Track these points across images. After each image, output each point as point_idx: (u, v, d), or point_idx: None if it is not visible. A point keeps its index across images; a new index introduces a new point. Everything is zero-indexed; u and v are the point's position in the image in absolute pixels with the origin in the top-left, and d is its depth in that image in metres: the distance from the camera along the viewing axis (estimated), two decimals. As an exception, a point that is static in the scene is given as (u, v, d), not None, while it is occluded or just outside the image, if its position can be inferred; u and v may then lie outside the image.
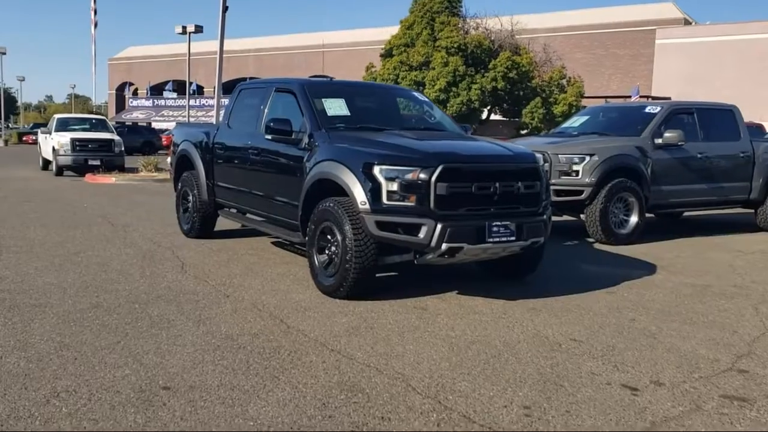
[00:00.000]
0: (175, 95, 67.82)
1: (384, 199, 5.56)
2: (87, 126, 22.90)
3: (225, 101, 50.96)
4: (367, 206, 5.58)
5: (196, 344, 4.69)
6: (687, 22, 43.63)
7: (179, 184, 9.26)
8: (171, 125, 61.46)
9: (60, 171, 20.71)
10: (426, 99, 7.99)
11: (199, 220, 8.79)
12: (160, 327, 5.07)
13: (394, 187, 5.54)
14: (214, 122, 21.30)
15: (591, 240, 9.48)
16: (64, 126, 22.30)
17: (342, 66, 57.74)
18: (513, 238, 5.78)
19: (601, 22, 45.21)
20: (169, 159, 20.78)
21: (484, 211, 5.72)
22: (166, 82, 68.46)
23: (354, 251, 5.65)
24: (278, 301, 5.90)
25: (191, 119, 45.09)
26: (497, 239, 5.68)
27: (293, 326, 5.16)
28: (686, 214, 11.84)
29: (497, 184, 5.72)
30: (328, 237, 6.03)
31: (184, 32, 28.46)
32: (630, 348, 4.90)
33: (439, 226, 5.46)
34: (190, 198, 8.90)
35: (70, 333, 4.87)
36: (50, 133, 21.70)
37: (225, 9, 20.40)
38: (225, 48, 62.67)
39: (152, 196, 14.85)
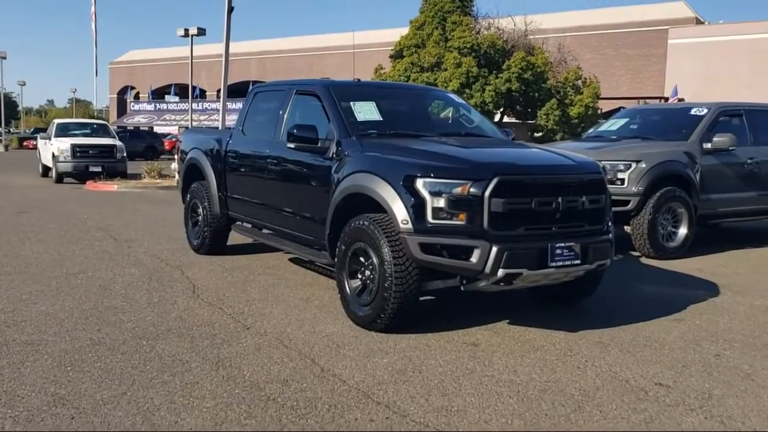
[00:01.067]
0: (177, 99, 67.09)
1: (429, 218, 4.80)
2: (88, 131, 22.16)
3: (228, 104, 49.99)
4: (410, 225, 4.82)
5: (217, 395, 3.93)
6: (698, 22, 42.83)
7: (188, 196, 8.51)
8: (173, 129, 60.78)
9: (60, 178, 19.98)
10: (462, 101, 7.22)
11: (210, 235, 8.04)
12: (172, 371, 4.30)
13: (441, 203, 4.78)
14: (220, 127, 20.57)
15: (636, 254, 8.71)
16: (64, 131, 21.57)
17: (346, 68, 57.02)
18: (578, 262, 5.01)
19: (611, 22, 44.41)
20: (173, 165, 20.05)
21: (545, 231, 4.95)
22: (168, 86, 67.73)
23: (394, 277, 4.89)
24: (306, 334, 5.13)
25: (194, 123, 44.43)
26: (560, 263, 4.92)
27: (328, 369, 4.40)
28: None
29: (560, 199, 4.96)
30: (362, 259, 5.28)
31: (186, 35, 27.67)
32: (729, 395, 4.14)
33: (494, 249, 4.70)
34: (200, 211, 8.14)
35: (66, 380, 4.11)
36: (50, 139, 20.97)
37: (230, 10, 19.64)
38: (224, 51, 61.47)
39: (157, 206, 14.09)
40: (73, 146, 19.79)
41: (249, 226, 7.67)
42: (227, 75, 20.58)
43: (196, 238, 8.34)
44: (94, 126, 23.06)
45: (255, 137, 7.24)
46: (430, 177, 4.82)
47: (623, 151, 8.55)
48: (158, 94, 69.63)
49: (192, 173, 8.48)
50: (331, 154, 5.79)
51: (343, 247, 5.41)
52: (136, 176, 20.42)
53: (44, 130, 29.77)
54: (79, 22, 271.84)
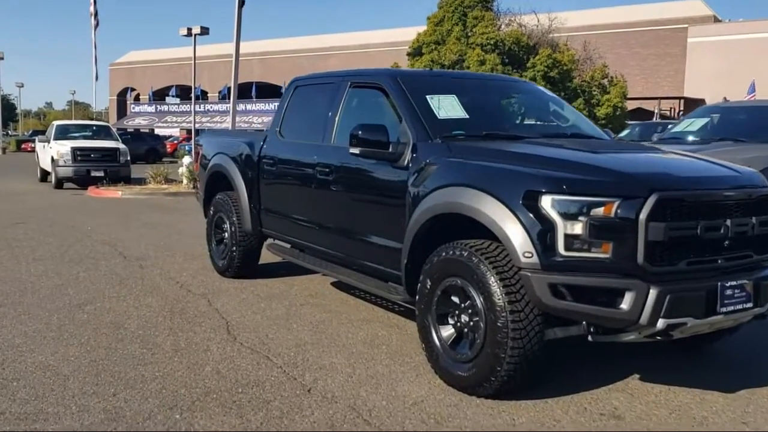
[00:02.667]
0: (178, 100, 65.87)
1: (560, 248, 3.56)
2: (89, 133, 20.90)
3: (228, 107, 48.72)
4: (535, 259, 3.58)
5: None
6: (716, 20, 41.65)
7: (211, 209, 7.27)
8: (175, 132, 59.64)
9: (60, 183, 18.73)
10: (552, 94, 5.98)
11: (239, 255, 6.79)
12: (223, 471, 3.06)
13: (577, 228, 3.54)
14: (230, 129, 19.33)
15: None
16: (63, 134, 20.31)
17: (351, 68, 55.81)
18: (750, 305, 3.79)
19: (624, 20, 43.20)
20: (180, 169, 18.82)
21: (711, 264, 3.72)
22: (169, 87, 66.47)
23: (510, 329, 3.65)
24: (387, 401, 3.90)
25: (197, 125, 43.19)
26: (731, 308, 3.69)
27: (437, 462, 3.15)
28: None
29: (728, 222, 3.73)
30: (456, 300, 4.05)
31: (189, 34, 26.31)
32: None
33: (653, 292, 3.47)
34: (227, 227, 6.90)
35: (74, 489, 2.87)
36: (49, 142, 19.70)
37: (242, 3, 18.46)
38: (228, 51, 60.42)
39: (167, 215, 12.84)
40: (74, 149, 18.54)
41: (286, 245, 6.43)
42: (237, 73, 19.38)
43: (222, 258, 7.09)
44: (96, 128, 21.79)
45: (297, 141, 6.01)
46: (561, 193, 3.58)
47: (725, 154, 7.29)
48: (159, 96, 68.42)
49: (216, 182, 7.25)
50: (405, 162, 4.56)
51: (429, 284, 4.17)
52: (141, 181, 19.17)
53: (43, 132, 28.55)
54: (78, 24, 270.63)
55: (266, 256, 7.07)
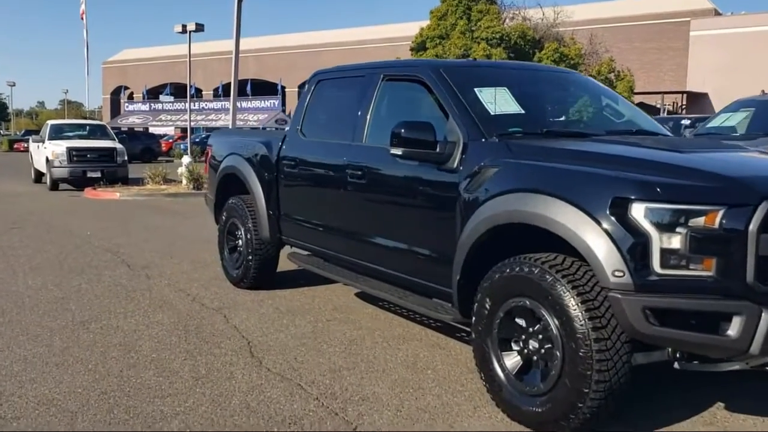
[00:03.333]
0: (172, 99, 65.17)
1: (656, 265, 3.04)
2: (84, 133, 20.29)
3: (226, 104, 48.28)
4: (626, 278, 3.06)
5: None
6: (717, 13, 41.21)
7: (223, 214, 6.73)
8: (169, 130, 58.91)
9: (55, 185, 18.13)
10: (603, 86, 5.45)
11: (255, 264, 6.26)
12: None
13: (675, 242, 3.02)
14: (230, 126, 18.77)
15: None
16: (58, 133, 19.70)
17: (348, 65, 55.23)
18: None
19: (626, 14, 42.70)
20: (180, 169, 18.22)
21: (824, 283, 3.20)
22: (163, 86, 65.80)
23: (595, 360, 3.13)
24: (448, 440, 3.37)
25: (192, 124, 42.49)
26: None
27: None
28: None
29: None
30: (522, 324, 3.52)
31: (184, 31, 25.74)
32: None
33: (765, 317, 2.95)
34: (242, 234, 6.36)
35: None
36: (43, 142, 19.09)
37: (241, -2, 17.86)
38: (222, 49, 59.66)
39: (169, 217, 12.27)
40: (69, 149, 17.94)
41: (308, 254, 5.90)
42: (237, 69, 18.82)
43: (236, 267, 6.55)
44: (92, 127, 21.17)
45: (322, 140, 5.48)
46: (656, 200, 3.06)
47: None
48: (153, 94, 67.71)
49: (228, 185, 6.71)
50: (454, 164, 4.03)
51: (489, 304, 3.64)
52: (139, 182, 18.57)
53: (36, 132, 27.92)
54: (70, 22, 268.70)
55: (281, 264, 6.53)
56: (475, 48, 21.33)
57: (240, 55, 19.91)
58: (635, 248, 3.06)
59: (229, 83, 57.87)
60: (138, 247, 8.94)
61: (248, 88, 56.47)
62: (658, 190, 3.07)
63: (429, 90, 4.45)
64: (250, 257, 6.27)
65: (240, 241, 6.48)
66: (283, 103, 57.74)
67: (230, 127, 18.83)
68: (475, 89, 4.33)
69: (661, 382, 4.18)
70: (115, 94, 71.88)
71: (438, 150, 4.07)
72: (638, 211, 3.06)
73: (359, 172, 4.81)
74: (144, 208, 13.82)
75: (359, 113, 5.01)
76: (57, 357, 4.57)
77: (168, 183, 18.31)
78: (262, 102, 56.55)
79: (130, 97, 70.22)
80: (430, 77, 4.46)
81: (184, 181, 17.44)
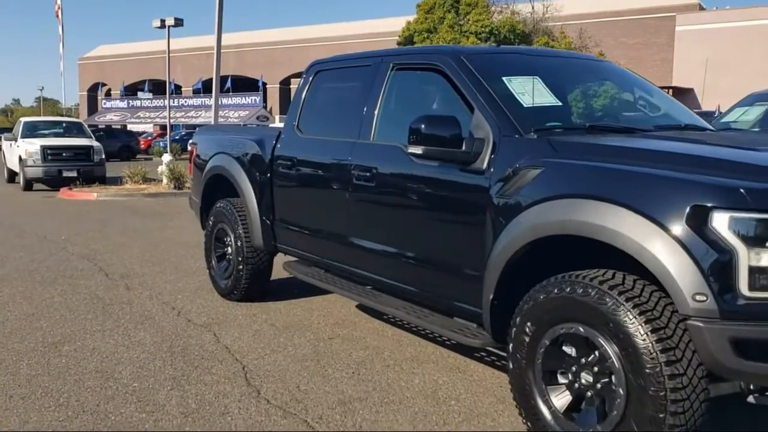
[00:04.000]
0: (150, 96, 64.10)
1: (743, 287, 2.53)
2: (60, 130, 19.50)
3: (206, 101, 47.50)
4: (710, 303, 2.55)
5: None
6: (701, 8, 41.06)
7: (210, 219, 6.14)
8: (148, 127, 57.93)
9: (29, 185, 17.37)
10: (635, 74, 4.92)
11: (247, 274, 5.69)
12: None
13: (766, 259, 2.50)
14: (213, 123, 18.12)
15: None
16: (32, 131, 18.90)
17: (330, 61, 54.53)
18: None
19: (610, 9, 42.42)
20: (160, 168, 17.51)
21: None
22: (141, 82, 64.72)
23: (670, 400, 2.62)
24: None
25: (171, 121, 41.57)
26: None
27: None
28: None
29: None
30: (572, 353, 2.99)
31: (162, 26, 24.99)
32: None
33: None
34: (231, 241, 5.79)
35: None
36: (16, 140, 18.30)
37: (223, -11, 17.19)
38: (201, 45, 58.75)
39: (149, 220, 11.62)
40: (44, 148, 17.18)
41: (306, 264, 5.34)
42: (219, 64, 18.15)
43: (225, 277, 5.97)
44: (67, 125, 20.38)
45: (322, 138, 4.91)
46: (743, 208, 2.54)
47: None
48: (131, 91, 66.60)
49: (216, 187, 6.14)
50: (483, 165, 3.49)
51: (531, 329, 3.11)
52: (117, 181, 17.86)
53: (9, 130, 26.96)
54: (45, 17, 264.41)
55: (274, 272, 5.97)
56: (463, 42, 20.84)
57: (222, 51, 19.30)
58: (719, 267, 2.54)
59: (209, 79, 56.77)
60: (117, 253, 8.31)
61: (228, 84, 55.63)
62: (745, 196, 2.56)
63: (449, 80, 3.91)
64: (241, 266, 5.69)
65: (229, 249, 5.91)
66: (264, 100, 56.98)
67: (214, 123, 18.13)
68: (503, 78, 3.79)
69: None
70: (92, 91, 70.60)
71: (464, 148, 3.53)
72: (721, 222, 2.55)
73: (367, 174, 4.25)
74: (123, 210, 13.15)
75: (366, 108, 4.45)
76: (23, 388, 3.98)
77: (148, 182, 17.61)
78: (243, 99, 55.72)
79: (108, 94, 69.01)
80: (449, 65, 3.91)
81: (165, 180, 16.77)
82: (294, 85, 55.54)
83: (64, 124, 20.45)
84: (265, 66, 57.54)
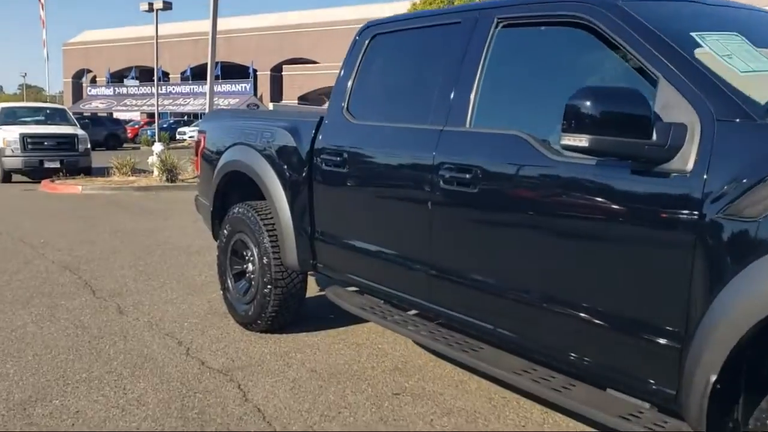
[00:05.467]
0: (137, 83, 62.33)
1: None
2: (41, 117, 18.03)
3: (195, 88, 46.16)
4: None
5: None
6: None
7: (226, 227, 4.85)
8: (135, 115, 56.29)
9: (7, 176, 15.96)
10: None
11: (275, 300, 4.42)
12: None
13: None
14: (227, 108, 16.73)
15: None
16: (11, 118, 17.43)
17: (321, 47, 53.17)
18: None
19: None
20: (151, 158, 16.06)
21: None
22: (128, 69, 62.87)
23: None
24: None
25: (159, 109, 40.03)
26: None
27: None
28: None
29: None
30: None
31: (150, 10, 23.50)
32: None
33: None
34: (254, 256, 4.52)
35: None
36: (-6, 128, 16.85)
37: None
38: (190, 30, 57.25)
39: (142, 218, 10.29)
40: (24, 136, 15.77)
41: (362, 295, 4.06)
42: (215, 48, 16.78)
43: (245, 302, 4.69)
44: (50, 111, 18.89)
45: (385, 124, 3.63)
46: None
47: None
48: (117, 78, 64.81)
49: (233, 187, 4.86)
50: (687, 164, 2.24)
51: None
52: (103, 172, 16.46)
53: (-11, 117, 25.37)
54: (27, 2, 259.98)
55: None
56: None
57: (207, 36, 17.97)
58: None
59: (198, 66, 55.39)
60: (106, 262, 7.01)
61: (218, 71, 53.98)
62: None
63: (604, 39, 2.64)
64: (268, 290, 4.42)
65: (251, 266, 4.64)
66: (255, 87, 55.47)
67: (223, 108, 16.73)
68: (693, 35, 2.52)
69: None
70: (77, 77, 68.65)
71: (656, 139, 2.26)
72: None
73: (464, 176, 2.99)
74: (111, 206, 11.80)
75: (457, 82, 3.18)
76: (-28, 490, 2.70)
77: (137, 174, 16.24)
78: (233, 86, 54.24)
79: (93, 81, 67.17)
80: (605, 18, 2.64)
81: (156, 172, 15.40)
82: (286, 72, 54.05)
83: (46, 111, 18.96)
84: (256, 52, 55.91)
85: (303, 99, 50.62)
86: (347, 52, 4.05)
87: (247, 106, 53.63)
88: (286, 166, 4.23)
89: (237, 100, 51.19)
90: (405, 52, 3.79)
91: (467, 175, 2.97)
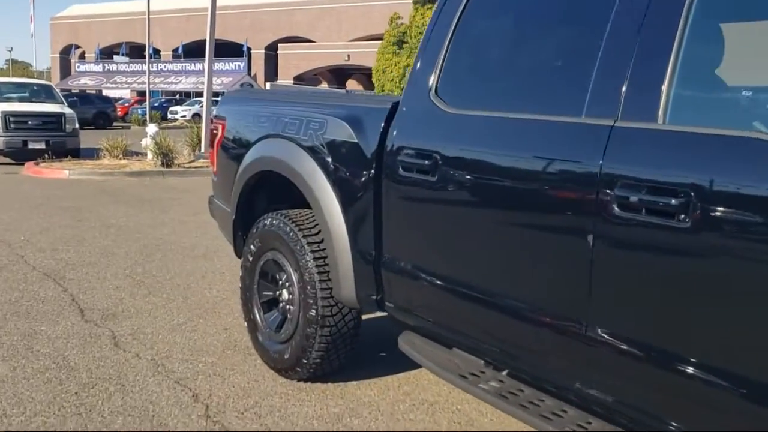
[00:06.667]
0: (127, 59, 60.71)
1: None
2: (26, 94, 16.75)
3: (187, 66, 44.92)
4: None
5: None
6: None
7: (252, 243, 3.76)
8: (125, 93, 54.79)
9: (-12, 158, 14.76)
10: None
11: (321, 344, 3.36)
12: None
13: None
14: (205, 91, 15.55)
15: None
16: (-7, 94, 16.19)
17: (319, 25, 51.74)
18: None
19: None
20: (144, 141, 14.78)
21: None
22: (118, 45, 61.18)
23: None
24: None
25: (150, 87, 38.58)
26: None
27: None
28: None
29: None
30: None
31: (143, -19, 22.21)
32: None
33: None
34: (292, 284, 3.44)
35: None
36: (-27, 105, 15.59)
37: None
38: (182, 6, 55.66)
39: (136, 208, 9.15)
40: (5, 114, 14.55)
41: (454, 353, 2.96)
42: (214, 23, 15.51)
43: (279, 341, 3.62)
44: (36, 88, 17.59)
45: (505, 115, 2.53)
46: None
47: None
48: (106, 54, 63.14)
49: (262, 190, 3.77)
50: None
51: None
52: (93, 154, 15.25)
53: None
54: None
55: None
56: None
57: (200, 13, 16.83)
58: None
59: (190, 43, 53.97)
60: (96, 268, 5.92)
61: (211, 48, 52.48)
62: None
63: None
64: (312, 329, 3.34)
65: (287, 294, 3.56)
66: (249, 66, 54.04)
67: (205, 93, 15.54)
68: None
69: None
70: (65, 53, 66.82)
71: None
72: None
73: (665, 200, 1.91)
74: (101, 194, 10.65)
75: (638, 50, 2.09)
76: None
77: (129, 157, 15.05)
78: (226, 64, 52.76)
79: (82, 57, 65.42)
80: None
81: (150, 155, 14.22)
82: (282, 51, 52.56)
83: (32, 87, 17.66)
84: (250, 30, 54.38)
85: (299, 79, 49.28)
86: (437, 4, 2.94)
87: (241, 85, 52.29)
88: (342, 168, 3.14)
89: (230, 79, 49.77)
90: (529, 9, 2.69)
91: (670, 200, 1.89)
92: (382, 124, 2.98)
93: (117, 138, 15.22)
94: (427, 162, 2.73)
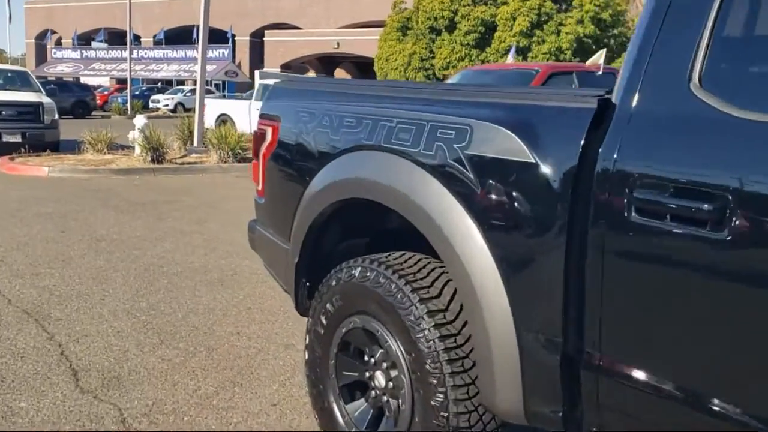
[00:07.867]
0: (106, 46, 58.83)
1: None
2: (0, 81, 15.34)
3: (169, 53, 43.59)
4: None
5: None
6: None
7: (330, 299, 2.56)
8: (104, 81, 53.05)
9: (-42, 153, 13.34)
10: None
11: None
12: None
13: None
14: (198, 80, 14.23)
15: None
16: (-37, 82, 14.75)
17: (306, 12, 50.26)
18: None
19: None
20: (131, 134, 13.37)
21: None
22: (96, 31, 59.15)
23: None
24: None
25: (132, 75, 37.00)
26: None
27: None
28: None
29: None
30: None
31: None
32: None
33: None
34: (404, 372, 2.25)
35: None
36: (-58, 94, 14.15)
37: None
38: (165, -9, 53.30)
39: (129, 217, 7.88)
40: (-23, 104, 13.16)
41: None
42: (208, 4, 14.18)
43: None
44: (9, 75, 16.14)
45: None
46: None
47: None
48: (84, 40, 61.14)
49: (334, 224, 2.59)
50: None
51: None
52: (74, 147, 13.90)
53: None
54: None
55: None
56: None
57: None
58: None
59: (172, 29, 52.33)
60: (89, 302, 4.70)
61: (194, 35, 50.80)
62: None
63: None
64: (439, 446, 2.16)
65: (383, 380, 2.40)
66: (233, 54, 52.48)
67: (198, 82, 14.20)
68: None
69: None
70: (40, 38, 64.60)
71: None
72: None
73: None
74: (87, 196, 9.36)
75: None
76: None
77: (114, 151, 13.72)
78: (210, 51, 50.85)
79: (58, 43, 63.29)
80: None
81: (138, 150, 12.90)
82: (268, 38, 51.01)
83: (6, 74, 16.20)
84: (234, 16, 52.69)
85: (286, 67, 47.81)
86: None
87: (225, 73, 50.74)
88: (503, 204, 1.96)
89: (214, 66, 48.21)
90: None
91: None
92: (584, 135, 1.80)
93: (101, 130, 13.86)
94: (697, 204, 1.56)
